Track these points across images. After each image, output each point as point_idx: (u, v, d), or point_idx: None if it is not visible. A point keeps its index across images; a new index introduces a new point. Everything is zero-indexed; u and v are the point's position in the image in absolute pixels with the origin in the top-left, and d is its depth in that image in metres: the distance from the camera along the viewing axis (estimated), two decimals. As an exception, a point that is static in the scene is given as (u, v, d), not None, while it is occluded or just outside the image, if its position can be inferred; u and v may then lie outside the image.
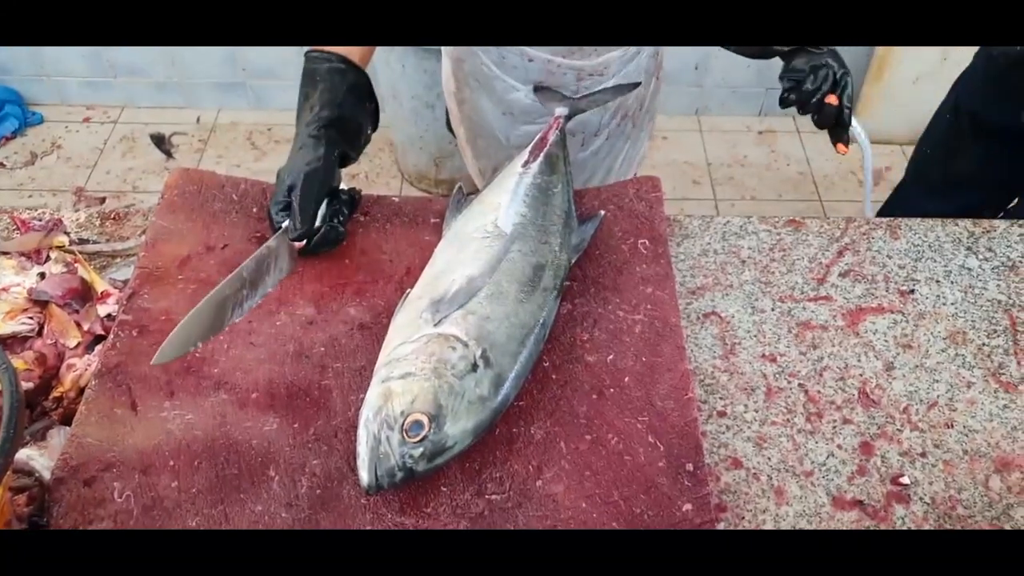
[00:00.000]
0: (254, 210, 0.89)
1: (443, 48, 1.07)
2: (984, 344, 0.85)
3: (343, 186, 0.84)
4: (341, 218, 0.82)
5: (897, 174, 2.06)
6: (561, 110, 0.94)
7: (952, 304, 0.88)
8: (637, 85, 1.03)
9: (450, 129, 1.18)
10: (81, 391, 0.75)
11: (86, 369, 0.77)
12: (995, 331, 0.86)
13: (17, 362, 0.76)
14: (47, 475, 0.67)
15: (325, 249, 0.82)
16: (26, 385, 0.75)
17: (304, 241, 0.79)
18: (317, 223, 0.79)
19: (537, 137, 0.90)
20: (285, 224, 0.78)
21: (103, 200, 2.16)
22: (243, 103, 2.42)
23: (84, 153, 2.30)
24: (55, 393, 0.76)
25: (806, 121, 0.88)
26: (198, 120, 2.40)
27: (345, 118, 0.81)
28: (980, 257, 0.93)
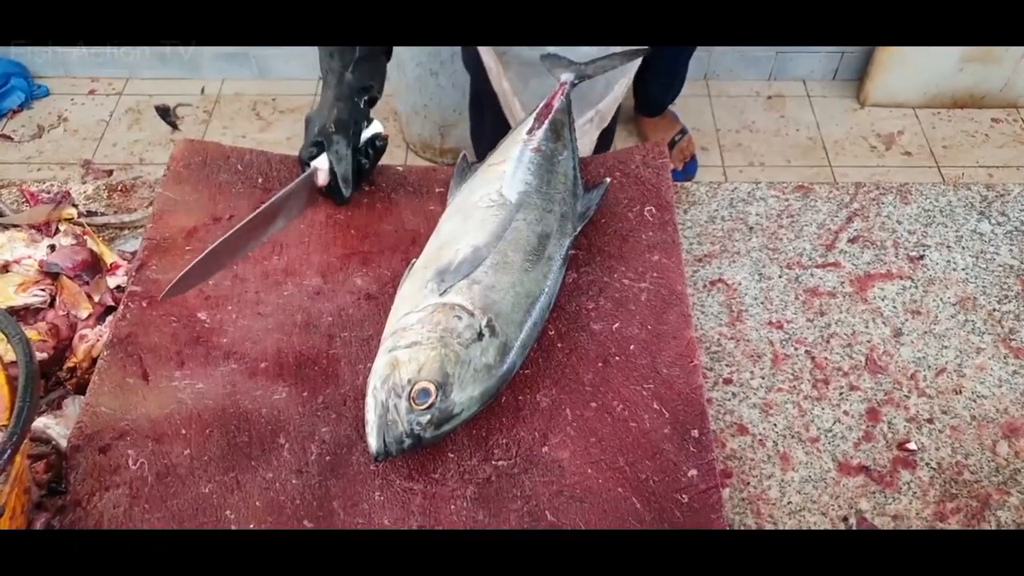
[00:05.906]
0: (259, 180, 0.88)
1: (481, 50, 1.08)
2: (995, 310, 0.84)
3: (374, 130, 0.89)
4: (366, 160, 0.87)
5: (908, 138, 2.02)
6: (567, 76, 0.92)
7: (963, 269, 0.87)
8: (646, 50, 1.01)
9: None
10: (94, 361, 0.76)
11: (98, 340, 0.78)
12: (1006, 296, 0.85)
13: (31, 333, 0.77)
14: (63, 443, 0.69)
15: (352, 191, 0.86)
16: (40, 356, 0.76)
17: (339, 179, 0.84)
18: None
19: (542, 103, 0.89)
20: (314, 165, 0.83)
21: (110, 172, 2.16)
22: (247, 73, 2.40)
23: (90, 125, 2.30)
24: (68, 363, 0.78)
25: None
26: (202, 91, 2.38)
27: (364, 57, 0.85)
28: (993, 221, 0.92)
